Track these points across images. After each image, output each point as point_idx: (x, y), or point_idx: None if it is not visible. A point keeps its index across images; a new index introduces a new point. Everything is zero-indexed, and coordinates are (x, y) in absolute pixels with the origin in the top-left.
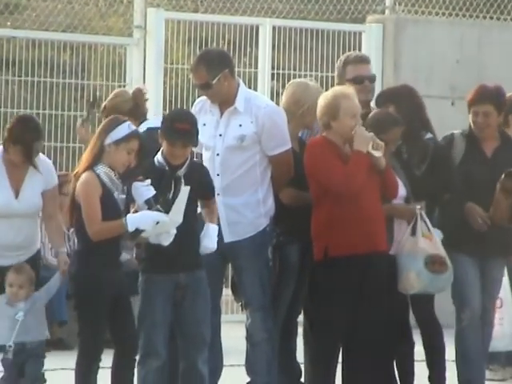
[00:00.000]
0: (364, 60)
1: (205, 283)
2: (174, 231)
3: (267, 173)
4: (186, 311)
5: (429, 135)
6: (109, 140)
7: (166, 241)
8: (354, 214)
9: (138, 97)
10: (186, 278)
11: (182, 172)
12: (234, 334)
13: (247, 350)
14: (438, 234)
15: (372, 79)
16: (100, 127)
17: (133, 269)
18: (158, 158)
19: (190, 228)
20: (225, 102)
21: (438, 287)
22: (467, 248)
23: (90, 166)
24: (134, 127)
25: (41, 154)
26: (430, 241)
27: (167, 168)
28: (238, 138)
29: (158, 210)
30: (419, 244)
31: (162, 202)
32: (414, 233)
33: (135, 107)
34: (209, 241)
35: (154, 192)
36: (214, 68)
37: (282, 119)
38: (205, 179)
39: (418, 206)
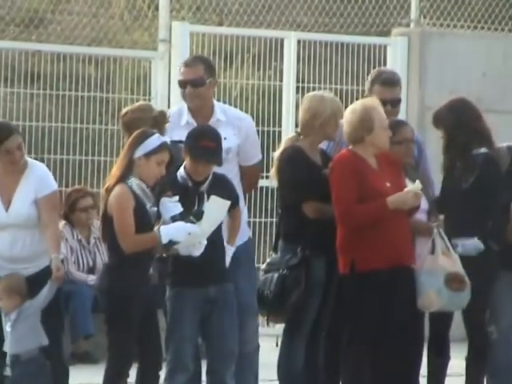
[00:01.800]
0: (392, 83)
1: (232, 296)
2: (205, 242)
3: (241, 184)
4: (214, 325)
5: (483, 150)
6: (139, 153)
7: (198, 251)
8: (380, 228)
9: (160, 120)
10: (215, 291)
11: (205, 188)
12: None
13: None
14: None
15: (394, 103)
16: (129, 141)
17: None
18: (181, 173)
19: (218, 240)
20: (203, 113)
21: (457, 305)
22: (507, 264)
23: (122, 179)
24: (163, 139)
25: (35, 160)
26: (448, 259)
27: (190, 184)
28: (224, 151)
29: (191, 222)
30: (439, 262)
31: (194, 213)
32: (433, 251)
33: (154, 127)
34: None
35: (181, 209)
36: (210, 70)
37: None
38: (229, 192)
39: (435, 223)
